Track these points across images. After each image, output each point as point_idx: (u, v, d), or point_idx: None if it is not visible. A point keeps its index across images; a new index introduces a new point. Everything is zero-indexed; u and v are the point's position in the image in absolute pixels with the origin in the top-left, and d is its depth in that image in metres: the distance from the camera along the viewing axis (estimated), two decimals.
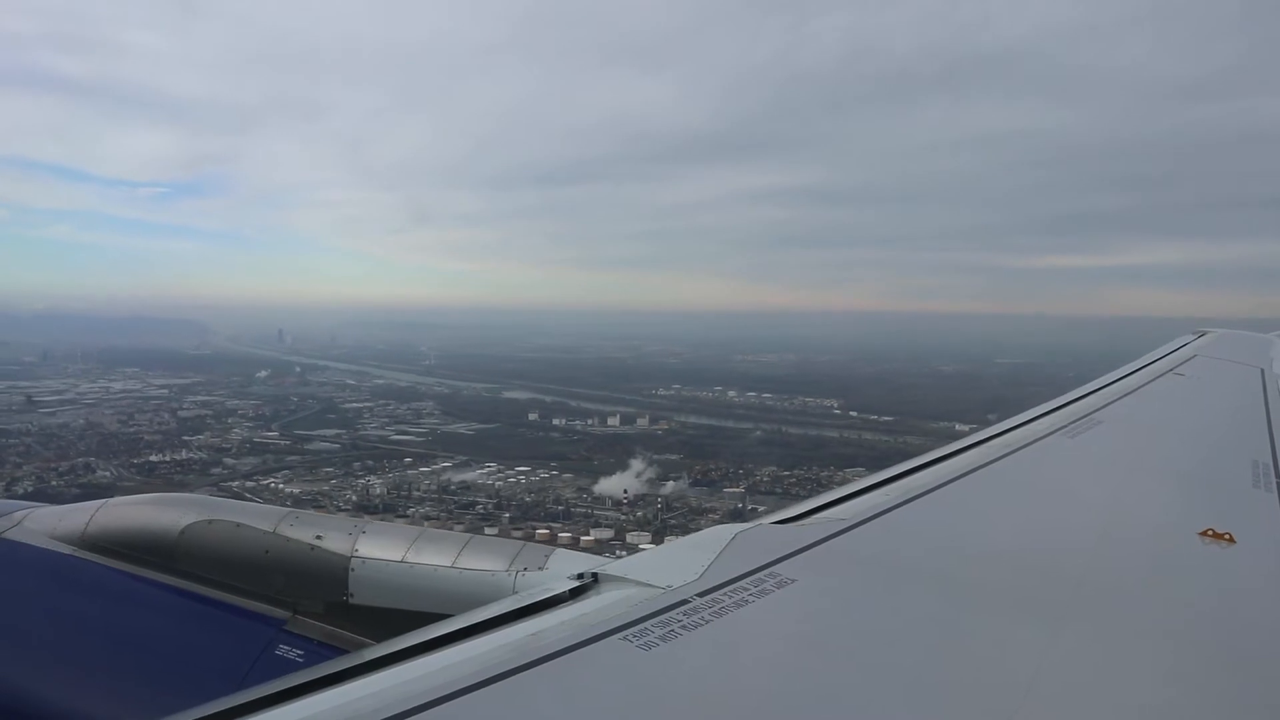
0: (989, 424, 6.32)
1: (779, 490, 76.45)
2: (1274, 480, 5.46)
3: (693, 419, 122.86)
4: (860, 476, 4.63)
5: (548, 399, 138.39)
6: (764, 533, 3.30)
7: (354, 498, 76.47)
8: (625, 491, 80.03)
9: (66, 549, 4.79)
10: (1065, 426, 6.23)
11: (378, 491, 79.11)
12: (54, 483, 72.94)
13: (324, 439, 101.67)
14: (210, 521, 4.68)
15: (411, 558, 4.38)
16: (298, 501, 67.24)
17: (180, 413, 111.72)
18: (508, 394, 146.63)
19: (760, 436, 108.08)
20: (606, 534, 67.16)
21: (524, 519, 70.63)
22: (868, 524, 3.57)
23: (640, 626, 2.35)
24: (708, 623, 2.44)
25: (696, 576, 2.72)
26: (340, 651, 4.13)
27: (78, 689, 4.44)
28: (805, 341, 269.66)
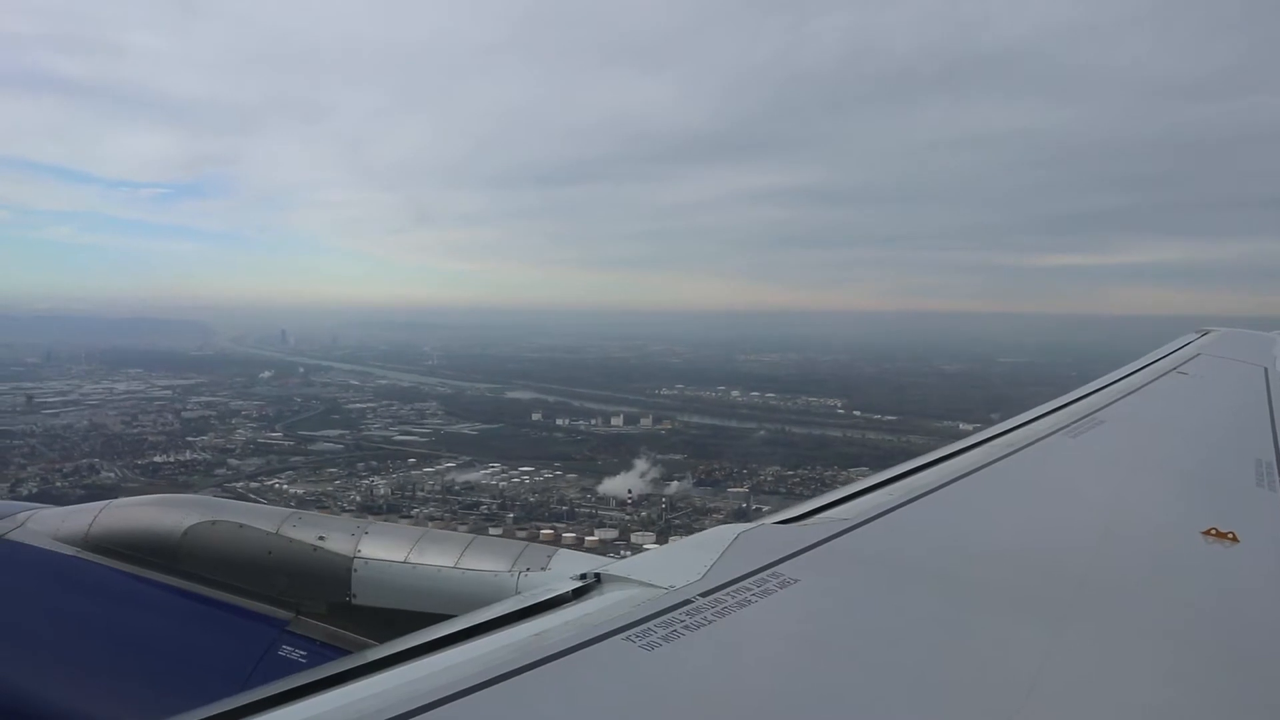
0: (992, 423, 6.31)
1: (783, 490, 76.45)
2: (1277, 479, 5.45)
3: (696, 419, 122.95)
4: (864, 476, 4.63)
5: (551, 399, 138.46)
6: (766, 533, 3.30)
7: (358, 498, 76.59)
8: (629, 491, 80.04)
9: (70, 550, 4.80)
10: (1068, 426, 6.22)
11: (382, 492, 79.22)
12: (59, 484, 73.11)
13: (328, 440, 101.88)
14: (213, 522, 4.69)
15: (414, 558, 4.38)
16: (302, 502, 67.32)
17: (184, 414, 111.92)
18: (511, 394, 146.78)
19: (764, 436, 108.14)
20: (611, 534, 67.18)
21: (528, 519, 70.72)
22: (870, 524, 3.57)
23: (643, 627, 2.35)
24: (710, 623, 2.44)
25: (699, 577, 2.72)
26: (343, 652, 4.14)
27: (82, 690, 4.45)
28: (807, 341, 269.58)
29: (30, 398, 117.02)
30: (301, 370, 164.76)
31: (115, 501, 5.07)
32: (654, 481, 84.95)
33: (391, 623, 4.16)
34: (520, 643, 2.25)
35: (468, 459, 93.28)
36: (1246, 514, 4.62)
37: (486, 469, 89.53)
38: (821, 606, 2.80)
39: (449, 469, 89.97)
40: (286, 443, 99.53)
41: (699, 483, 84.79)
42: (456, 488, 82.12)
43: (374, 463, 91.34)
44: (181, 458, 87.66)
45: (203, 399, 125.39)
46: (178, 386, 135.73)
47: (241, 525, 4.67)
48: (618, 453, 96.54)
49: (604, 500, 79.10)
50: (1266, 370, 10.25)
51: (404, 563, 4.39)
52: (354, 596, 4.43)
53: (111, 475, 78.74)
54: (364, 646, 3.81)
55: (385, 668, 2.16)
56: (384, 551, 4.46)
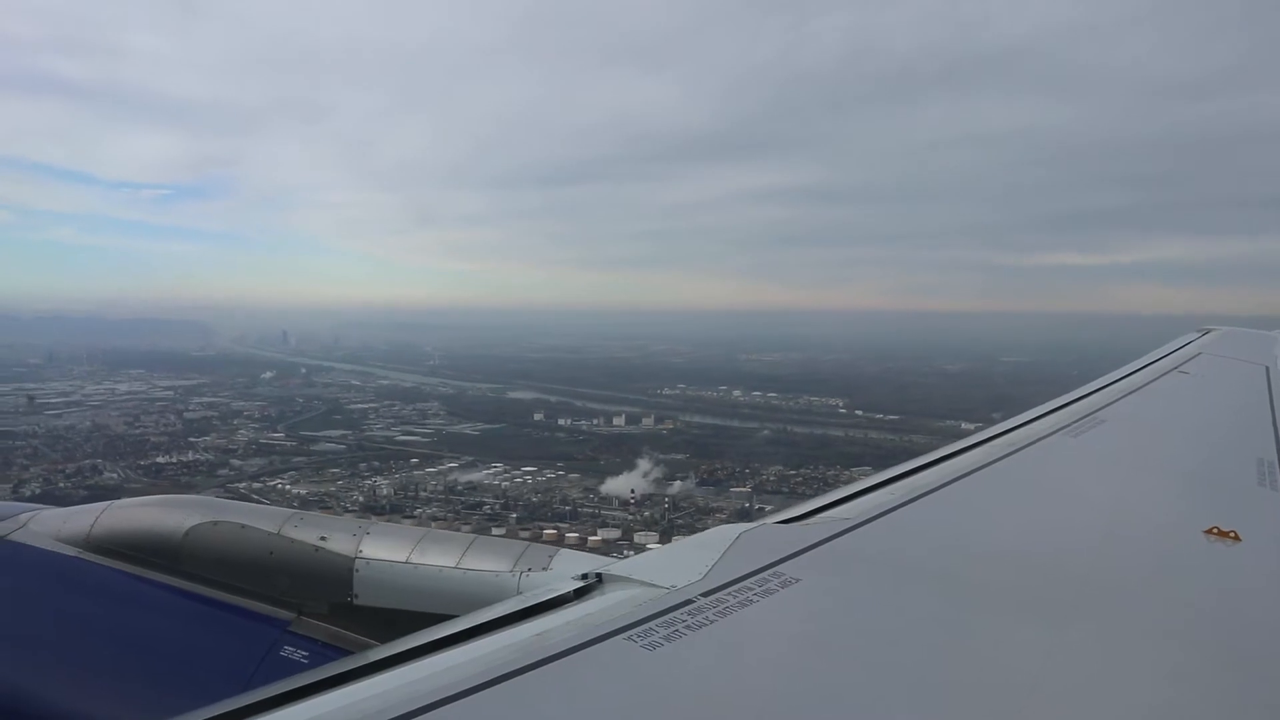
0: (994, 423, 6.31)
1: (786, 489, 76.43)
2: (1279, 478, 5.44)
3: (698, 418, 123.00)
4: (866, 475, 4.63)
5: (553, 399, 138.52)
6: (768, 532, 3.30)
7: (361, 498, 76.65)
8: (632, 491, 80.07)
9: (72, 551, 4.80)
10: (1069, 425, 6.21)
11: (384, 492, 79.30)
12: (61, 485, 73.24)
13: (330, 440, 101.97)
14: (215, 523, 4.70)
15: (416, 558, 4.39)
16: (305, 503, 67.38)
17: (186, 414, 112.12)
18: (513, 394, 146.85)
19: (766, 436, 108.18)
20: (614, 534, 67.19)
21: (531, 519, 70.76)
22: (871, 523, 3.56)
23: (644, 627, 2.35)
24: (712, 623, 2.43)
25: (700, 576, 2.72)
26: (345, 652, 4.14)
27: (83, 691, 4.46)
28: (809, 340, 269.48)
29: (32, 398, 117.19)
30: (303, 371, 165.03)
31: (117, 502, 5.08)
32: (657, 481, 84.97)
33: (393, 623, 4.16)
34: (522, 643, 2.25)
35: (470, 459, 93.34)
36: (1248, 513, 4.61)
37: (489, 469, 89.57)
38: (823, 606, 2.80)
39: (451, 469, 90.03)
40: (289, 443, 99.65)
41: (702, 482, 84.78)
42: (459, 488, 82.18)
43: (376, 463, 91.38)
44: (184, 458, 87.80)
45: (205, 399, 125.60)
46: (180, 387, 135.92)
47: (243, 526, 4.67)
48: (620, 453, 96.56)
49: (607, 500, 79.11)
50: (1268, 369, 10.23)
51: (405, 563, 4.39)
52: (356, 597, 4.44)
53: (114, 476, 78.85)
54: (366, 647, 3.81)
55: (387, 668, 2.16)
56: (385, 552, 4.46)
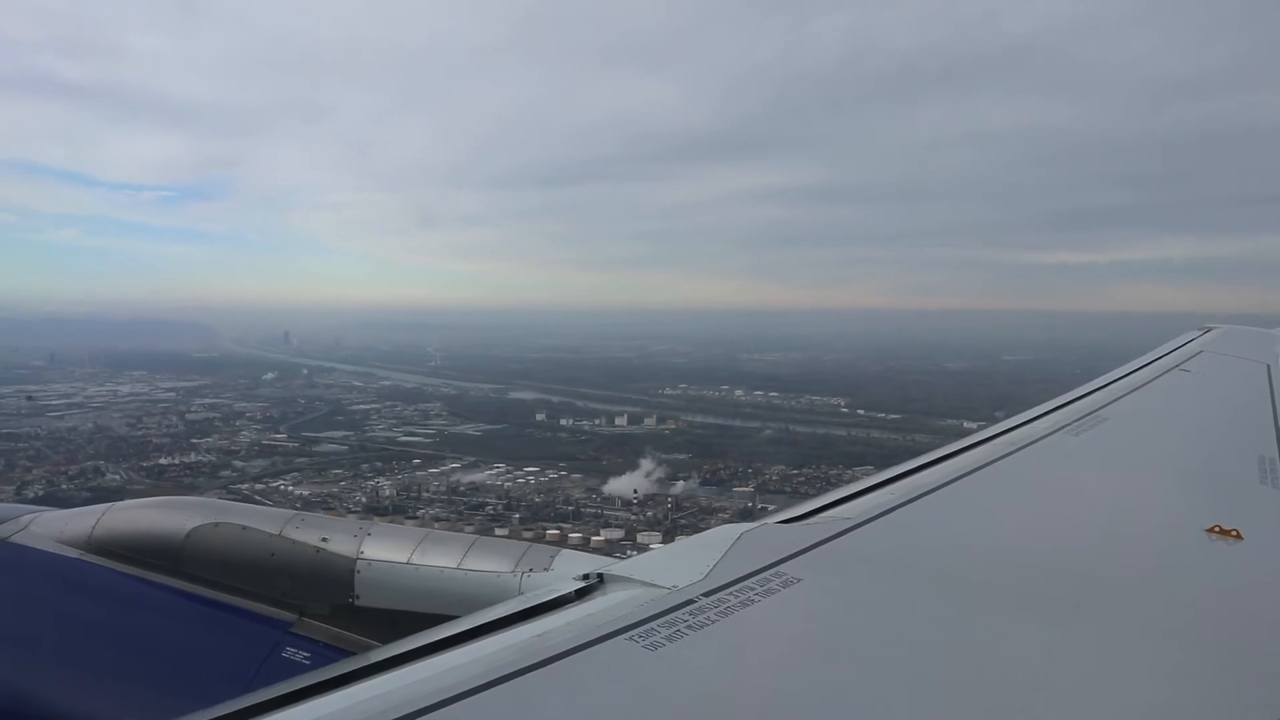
0: (997, 421, 6.30)
1: (788, 489, 76.34)
2: None
3: (700, 418, 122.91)
4: (869, 475, 4.63)
5: (554, 399, 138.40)
6: (769, 532, 3.30)
7: (363, 499, 76.61)
8: (635, 491, 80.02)
9: (73, 553, 4.81)
10: (1071, 424, 6.21)
11: (387, 493, 79.29)
12: (64, 486, 73.22)
13: (332, 441, 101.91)
14: (216, 525, 4.70)
15: (417, 559, 4.39)
16: (307, 504, 67.39)
17: (188, 415, 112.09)
18: (514, 394, 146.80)
19: (768, 435, 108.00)
20: (617, 534, 67.16)
21: (534, 520, 70.73)
22: (873, 523, 3.56)
23: (646, 627, 2.35)
24: (713, 623, 2.44)
25: (702, 576, 2.72)
26: (346, 653, 4.14)
27: (85, 692, 4.47)
28: (810, 340, 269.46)
29: (34, 400, 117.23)
30: (305, 371, 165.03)
31: (118, 504, 5.08)
32: (659, 481, 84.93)
33: (395, 624, 4.16)
34: (523, 643, 2.25)
35: (472, 459, 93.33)
36: (1250, 511, 4.60)
37: (491, 469, 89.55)
38: (824, 606, 2.79)
39: (454, 470, 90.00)
40: (291, 444, 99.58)
41: (704, 482, 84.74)
42: (462, 488, 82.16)
43: (379, 464, 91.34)
44: (186, 460, 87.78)
45: (207, 401, 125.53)
46: (181, 388, 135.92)
47: (245, 527, 4.68)
48: (622, 453, 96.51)
49: (609, 500, 79.08)
50: (1269, 367, 10.21)
51: (407, 564, 4.39)
52: (357, 598, 4.44)
53: (116, 477, 78.85)
54: (367, 648, 3.81)
55: (389, 669, 2.16)
56: (387, 553, 4.46)
